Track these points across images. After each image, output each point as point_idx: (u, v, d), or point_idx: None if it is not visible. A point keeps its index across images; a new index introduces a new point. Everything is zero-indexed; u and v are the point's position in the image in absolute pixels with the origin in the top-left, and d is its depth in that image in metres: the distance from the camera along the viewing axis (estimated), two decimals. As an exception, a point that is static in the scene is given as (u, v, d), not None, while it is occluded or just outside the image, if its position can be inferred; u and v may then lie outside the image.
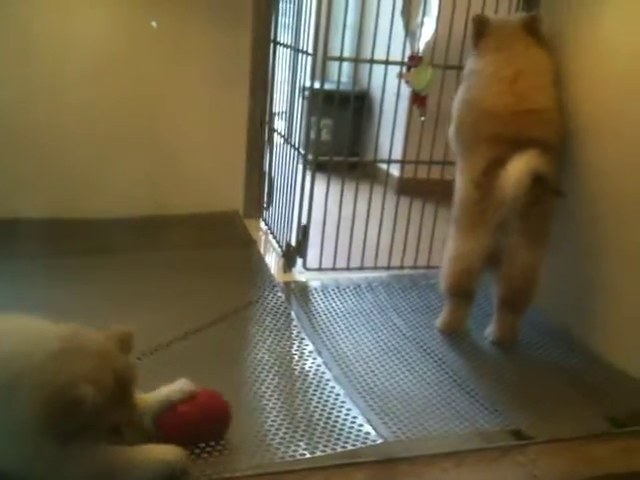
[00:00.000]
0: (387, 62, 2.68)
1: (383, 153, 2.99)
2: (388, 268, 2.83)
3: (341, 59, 2.77)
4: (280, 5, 3.06)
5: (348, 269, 2.78)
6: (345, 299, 2.57)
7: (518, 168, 2.03)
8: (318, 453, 1.68)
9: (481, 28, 2.33)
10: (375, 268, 2.81)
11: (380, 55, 2.69)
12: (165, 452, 1.48)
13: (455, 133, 2.37)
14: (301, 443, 1.71)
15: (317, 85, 2.67)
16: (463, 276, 2.26)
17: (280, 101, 3.18)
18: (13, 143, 2.82)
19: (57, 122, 2.85)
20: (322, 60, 2.58)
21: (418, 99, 2.62)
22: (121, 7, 2.84)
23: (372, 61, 2.71)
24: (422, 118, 2.68)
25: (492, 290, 2.33)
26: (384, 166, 3.11)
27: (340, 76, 2.72)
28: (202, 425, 1.64)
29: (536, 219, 2.17)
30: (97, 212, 2.90)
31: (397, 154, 2.91)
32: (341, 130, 3.44)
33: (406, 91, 2.77)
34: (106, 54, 2.85)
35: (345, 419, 1.83)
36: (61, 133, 2.87)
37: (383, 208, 2.81)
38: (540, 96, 2.22)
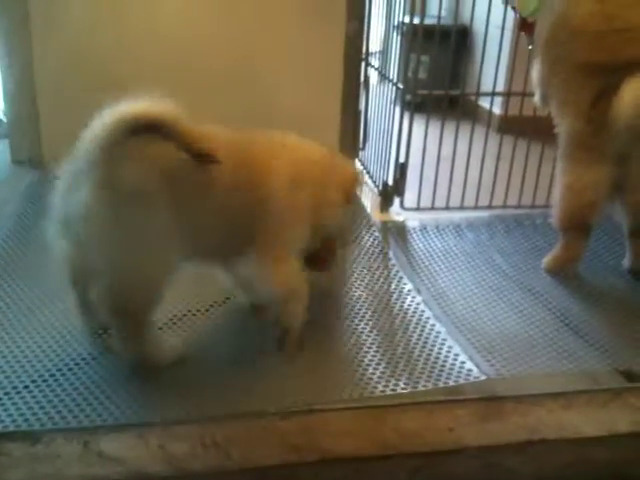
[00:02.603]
0: (492, -12, 2.53)
1: (485, 89, 2.85)
2: (490, 207, 2.72)
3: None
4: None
5: (447, 208, 2.69)
6: (444, 239, 2.49)
7: (631, 95, 1.94)
8: (420, 388, 1.64)
9: None
10: (476, 207, 2.71)
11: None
12: None
13: (544, 60, 2.24)
14: (402, 378, 1.68)
15: (415, 20, 2.55)
16: (586, 208, 2.16)
17: (377, 37, 3.08)
18: (108, 84, 2.87)
19: (155, 62, 2.87)
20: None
21: (526, 26, 2.46)
22: None
23: (475, -11, 2.57)
24: (530, 47, 2.53)
25: (620, 220, 2.25)
26: (486, 104, 2.98)
27: (441, 10, 2.60)
28: None
29: None
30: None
31: (500, 90, 2.77)
32: (440, 67, 3.31)
33: (510, 23, 2.62)
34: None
35: (447, 356, 1.78)
36: (158, 73, 2.89)
37: (485, 146, 2.69)
38: (631, 13, 2.06)
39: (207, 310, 1.93)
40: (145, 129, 1.44)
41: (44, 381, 1.59)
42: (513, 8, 2.47)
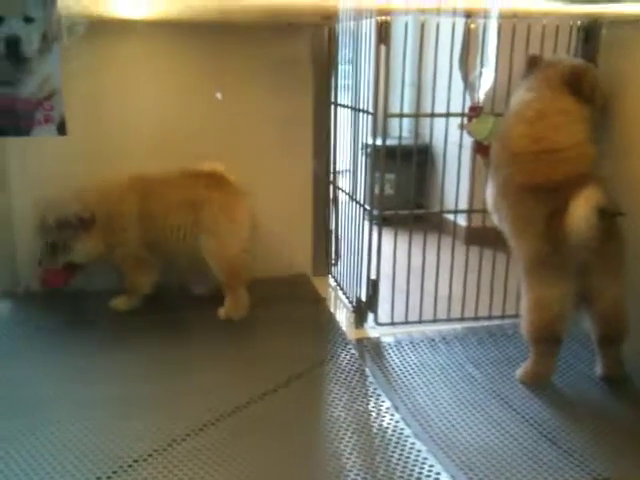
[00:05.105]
0: (448, 114, 2.70)
1: (449, 204, 2.98)
2: (462, 320, 2.78)
3: (401, 115, 2.81)
4: (339, 68, 3.14)
5: (420, 322, 2.75)
6: (420, 353, 2.53)
7: (581, 212, 2.01)
8: (403, 512, 1.64)
9: (531, 66, 2.36)
10: (448, 320, 2.77)
11: (440, 109, 2.71)
12: None
13: (494, 184, 2.35)
14: (384, 502, 1.67)
15: (379, 142, 2.70)
16: (555, 322, 2.20)
17: (343, 160, 3.23)
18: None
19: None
20: (383, 118, 2.61)
21: (481, 148, 2.61)
22: (187, 78, 2.97)
23: (433, 115, 2.74)
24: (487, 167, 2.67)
25: (588, 328, 2.30)
26: (451, 217, 3.11)
27: (401, 131, 2.75)
28: None
29: (612, 254, 2.17)
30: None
31: (463, 204, 2.89)
32: (405, 184, 3.46)
33: (469, 141, 2.78)
34: (172, 124, 2.97)
35: (428, 476, 1.78)
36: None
37: (453, 258, 2.78)
38: (557, 135, 2.18)
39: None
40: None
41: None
42: (469, 132, 2.62)
